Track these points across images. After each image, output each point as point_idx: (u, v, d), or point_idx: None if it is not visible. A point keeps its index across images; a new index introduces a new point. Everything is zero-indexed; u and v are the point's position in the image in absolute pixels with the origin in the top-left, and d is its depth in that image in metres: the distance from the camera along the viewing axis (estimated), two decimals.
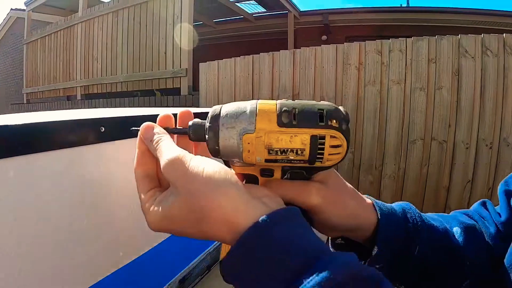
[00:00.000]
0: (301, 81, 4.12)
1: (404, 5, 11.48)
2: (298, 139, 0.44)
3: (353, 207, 0.55)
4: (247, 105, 0.45)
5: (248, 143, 0.44)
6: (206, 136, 0.46)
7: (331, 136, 0.44)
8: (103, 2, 8.18)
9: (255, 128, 0.44)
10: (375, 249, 0.56)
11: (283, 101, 0.46)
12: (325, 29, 9.31)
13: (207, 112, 0.47)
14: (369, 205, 0.57)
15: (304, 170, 0.50)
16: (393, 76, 3.73)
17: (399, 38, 3.80)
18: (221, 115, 0.46)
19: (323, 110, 0.44)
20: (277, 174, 0.50)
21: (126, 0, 6.51)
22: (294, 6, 9.20)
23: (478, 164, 3.53)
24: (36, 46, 8.92)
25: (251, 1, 9.51)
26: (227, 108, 0.46)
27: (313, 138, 0.44)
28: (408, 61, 3.68)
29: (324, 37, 9.22)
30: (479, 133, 3.52)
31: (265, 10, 10.10)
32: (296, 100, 0.46)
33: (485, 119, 3.48)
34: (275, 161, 0.46)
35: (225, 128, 0.45)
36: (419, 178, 3.71)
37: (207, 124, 0.46)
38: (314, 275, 0.33)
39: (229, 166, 0.50)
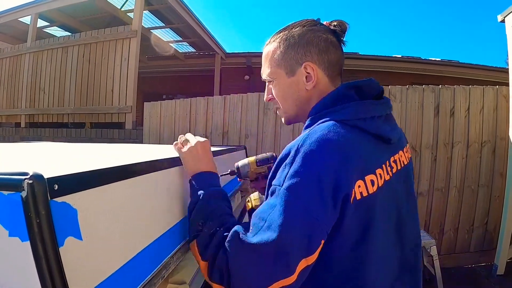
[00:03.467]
0: (230, 121, 4.89)
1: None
2: (263, 169, 1.52)
3: None
4: (246, 161, 1.53)
5: (252, 172, 1.52)
6: (236, 173, 1.55)
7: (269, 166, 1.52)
8: (54, 36, 8.39)
9: (250, 168, 1.52)
10: None
11: (259, 156, 1.53)
12: (247, 70, 10.00)
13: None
14: None
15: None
16: None
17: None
18: (239, 166, 1.53)
19: (269, 157, 1.52)
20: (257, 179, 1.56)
21: (77, 38, 6.90)
22: (221, 48, 9.85)
23: None
24: None
25: (183, 42, 10.10)
26: (240, 164, 1.53)
27: (269, 167, 1.52)
28: None
29: (246, 77, 9.97)
30: None
31: (195, 51, 10.72)
32: (259, 155, 1.53)
33: None
34: (256, 178, 1.55)
35: (245, 170, 1.53)
36: None
37: (235, 170, 1.54)
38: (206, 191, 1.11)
39: (241, 179, 1.56)
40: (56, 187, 0.65)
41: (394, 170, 1.07)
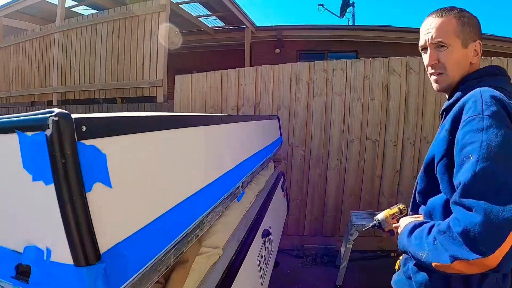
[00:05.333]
0: (262, 92, 4.82)
1: (351, 23, 12.25)
2: (395, 220, 1.67)
3: None
4: (384, 218, 1.71)
5: (387, 225, 1.70)
6: (377, 226, 1.74)
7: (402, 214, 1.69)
8: (82, 14, 8.42)
9: (387, 223, 1.70)
10: None
11: (392, 210, 1.71)
12: (278, 43, 9.85)
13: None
14: None
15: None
16: (336, 89, 4.55)
17: (341, 60, 4.61)
18: (381, 221, 1.71)
19: (402, 209, 1.70)
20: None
21: (105, 15, 6.89)
22: (251, 22, 9.65)
23: (404, 158, 4.43)
24: (9, 52, 8.97)
25: (212, 17, 9.91)
26: (380, 218, 1.72)
27: (398, 219, 1.57)
28: (348, 78, 4.52)
29: (277, 51, 9.77)
30: (404, 134, 4.41)
31: (224, 25, 10.53)
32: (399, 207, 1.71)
33: (409, 123, 4.39)
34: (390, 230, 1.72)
35: (384, 224, 1.70)
36: (357, 170, 4.56)
37: (377, 224, 1.75)
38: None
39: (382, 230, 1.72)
40: (84, 128, 0.60)
41: None
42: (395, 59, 4.42)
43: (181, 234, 0.89)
